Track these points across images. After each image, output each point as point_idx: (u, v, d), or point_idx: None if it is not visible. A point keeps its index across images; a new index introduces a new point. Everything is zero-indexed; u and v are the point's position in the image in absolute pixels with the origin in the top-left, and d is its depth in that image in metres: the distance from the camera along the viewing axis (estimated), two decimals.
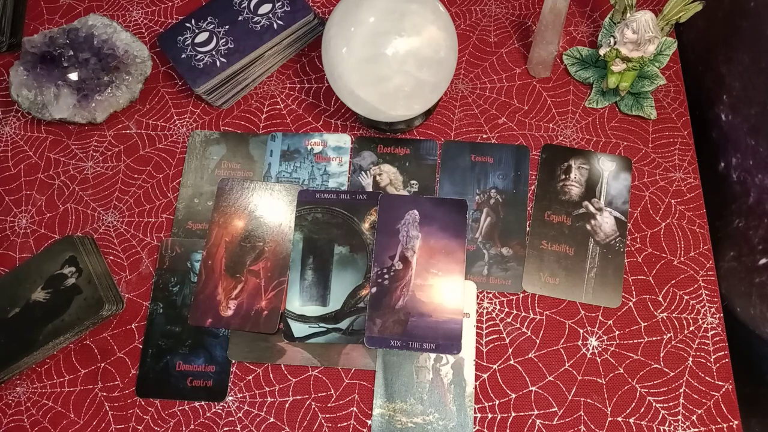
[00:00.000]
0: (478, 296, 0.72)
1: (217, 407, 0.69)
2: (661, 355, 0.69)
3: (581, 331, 0.70)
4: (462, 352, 0.69)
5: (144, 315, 0.73)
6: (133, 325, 0.73)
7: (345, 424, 0.68)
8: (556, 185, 0.76)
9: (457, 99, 0.81)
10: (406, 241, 0.73)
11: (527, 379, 0.69)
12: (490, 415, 0.67)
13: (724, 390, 0.67)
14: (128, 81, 0.81)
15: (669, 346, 0.69)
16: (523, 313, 0.71)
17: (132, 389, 0.70)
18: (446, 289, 0.71)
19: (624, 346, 0.69)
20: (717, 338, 0.69)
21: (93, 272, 0.71)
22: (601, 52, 0.75)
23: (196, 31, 0.81)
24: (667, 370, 0.68)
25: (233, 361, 0.70)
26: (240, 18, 0.81)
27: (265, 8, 0.81)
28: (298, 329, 0.71)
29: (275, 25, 0.80)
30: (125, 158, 0.81)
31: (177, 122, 0.82)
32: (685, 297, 0.71)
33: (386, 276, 0.71)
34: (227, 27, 0.81)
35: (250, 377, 0.70)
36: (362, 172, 0.78)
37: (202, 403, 0.69)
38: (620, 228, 0.74)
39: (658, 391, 0.68)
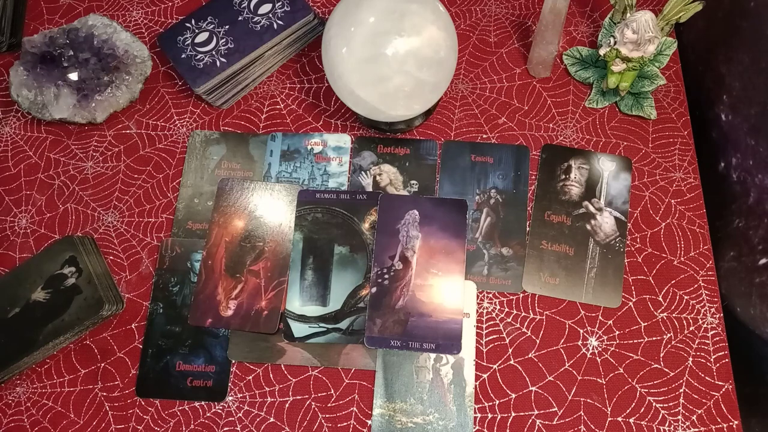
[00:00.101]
0: (478, 296, 0.72)
1: (217, 407, 0.69)
2: (661, 355, 0.69)
3: (581, 331, 0.70)
4: (462, 352, 0.69)
5: (144, 315, 0.73)
6: (133, 325, 0.73)
7: (345, 424, 0.68)
8: (556, 185, 0.76)
9: (457, 99, 0.81)
10: (406, 241, 0.73)
11: (527, 379, 0.69)
12: (490, 415, 0.67)
13: (724, 390, 0.67)
14: (128, 81, 0.81)
15: (669, 346, 0.69)
16: (523, 313, 0.71)
17: (132, 389, 0.70)
18: (446, 289, 0.71)
19: (624, 346, 0.69)
20: (717, 338, 0.69)
21: (93, 272, 0.71)
22: (601, 52, 0.75)
23: (196, 31, 0.81)
24: (667, 370, 0.68)
25: (233, 361, 0.70)
26: (240, 18, 0.81)
27: (265, 8, 0.81)
28: (298, 329, 0.71)
29: (275, 25, 0.80)
30: (125, 158, 0.81)
31: (177, 122, 0.82)
32: (685, 297, 0.71)
33: (386, 276, 0.71)
34: (227, 27, 0.81)
35: (250, 377, 0.70)
36: (362, 172, 0.78)
37: (202, 403, 0.69)
38: (620, 228, 0.74)
39: (658, 391, 0.68)
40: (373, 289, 0.71)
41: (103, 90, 0.80)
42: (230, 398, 0.69)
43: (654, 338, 0.69)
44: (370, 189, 0.77)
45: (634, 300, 0.71)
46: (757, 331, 0.70)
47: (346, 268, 0.73)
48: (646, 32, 0.70)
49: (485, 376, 0.69)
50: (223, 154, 0.80)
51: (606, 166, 0.77)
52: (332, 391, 0.69)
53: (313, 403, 0.69)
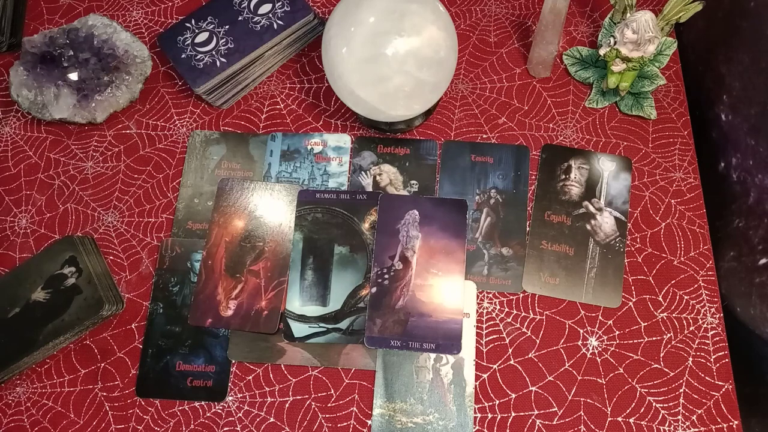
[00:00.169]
0: (478, 296, 0.72)
1: (217, 407, 0.69)
2: (661, 355, 0.69)
3: (581, 331, 0.70)
4: (462, 352, 0.69)
5: (144, 315, 0.73)
6: (133, 325, 0.73)
7: (345, 424, 0.68)
8: (556, 185, 0.76)
9: (457, 99, 0.81)
10: (406, 241, 0.73)
11: (527, 379, 0.69)
12: (490, 415, 0.67)
13: (724, 390, 0.67)
14: (128, 81, 0.81)
15: (669, 346, 0.69)
16: (523, 313, 0.71)
17: (132, 389, 0.70)
18: (446, 289, 0.71)
19: (624, 346, 0.69)
20: (717, 338, 0.69)
21: (93, 272, 0.71)
22: (601, 52, 0.75)
23: (196, 31, 0.81)
24: (667, 370, 0.68)
25: (233, 361, 0.70)
26: (240, 18, 0.81)
27: (265, 8, 0.81)
28: (298, 329, 0.71)
29: (275, 25, 0.80)
30: (125, 158, 0.81)
31: (177, 122, 0.82)
32: (685, 297, 0.71)
33: (386, 276, 0.71)
34: (227, 27, 0.81)
35: (250, 377, 0.70)
36: (362, 172, 0.78)
37: (202, 403, 0.69)
38: (620, 228, 0.74)
39: (658, 391, 0.68)
40: (373, 289, 0.71)
41: (103, 90, 0.80)
42: (230, 398, 0.69)
43: (654, 338, 0.69)
44: (370, 189, 0.77)
45: (634, 300, 0.71)
46: (757, 331, 0.70)
47: (346, 268, 0.73)
48: (646, 32, 0.70)
49: (485, 376, 0.69)
50: (223, 154, 0.80)
51: (606, 166, 0.77)
52: (332, 391, 0.69)
53: (313, 403, 0.69)
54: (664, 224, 0.74)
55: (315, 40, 0.85)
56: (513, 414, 0.67)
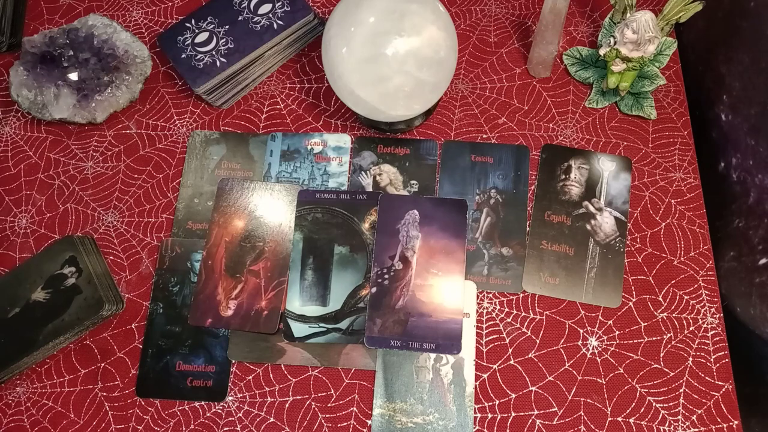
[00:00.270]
0: (478, 296, 0.72)
1: (217, 407, 0.69)
2: (661, 355, 0.69)
3: (581, 331, 0.70)
4: (462, 352, 0.69)
5: (144, 315, 0.73)
6: (133, 325, 0.73)
7: (345, 424, 0.68)
8: (556, 185, 0.76)
9: (457, 99, 0.81)
10: (406, 241, 0.73)
11: (527, 379, 0.69)
12: (490, 415, 0.67)
13: (724, 390, 0.67)
14: (128, 81, 0.81)
15: (669, 346, 0.69)
16: (523, 313, 0.71)
17: (132, 389, 0.70)
18: (446, 289, 0.71)
19: (624, 346, 0.69)
20: (717, 338, 0.69)
21: (93, 272, 0.71)
22: (601, 52, 0.75)
23: (196, 31, 0.81)
24: (667, 370, 0.68)
25: (233, 361, 0.70)
26: (240, 18, 0.81)
27: (265, 8, 0.81)
28: (298, 329, 0.71)
29: (275, 25, 0.80)
30: (125, 158, 0.81)
31: (177, 122, 0.82)
32: (685, 297, 0.71)
33: (386, 276, 0.71)
34: (227, 27, 0.81)
35: (250, 377, 0.70)
36: (362, 172, 0.78)
37: (202, 403, 0.69)
38: (620, 228, 0.74)
39: (658, 391, 0.68)
40: (373, 289, 0.71)
41: (103, 90, 0.80)
42: (230, 398, 0.69)
43: (654, 338, 0.69)
44: (370, 189, 0.77)
45: (634, 300, 0.71)
46: (757, 331, 0.70)
47: (346, 268, 0.73)
48: (646, 32, 0.70)
49: (485, 376, 0.69)
50: (223, 154, 0.80)
51: (606, 166, 0.77)
52: (332, 391, 0.69)
53: (313, 403, 0.69)
54: (664, 224, 0.74)
55: (315, 40, 0.85)
56: (513, 414, 0.67)
